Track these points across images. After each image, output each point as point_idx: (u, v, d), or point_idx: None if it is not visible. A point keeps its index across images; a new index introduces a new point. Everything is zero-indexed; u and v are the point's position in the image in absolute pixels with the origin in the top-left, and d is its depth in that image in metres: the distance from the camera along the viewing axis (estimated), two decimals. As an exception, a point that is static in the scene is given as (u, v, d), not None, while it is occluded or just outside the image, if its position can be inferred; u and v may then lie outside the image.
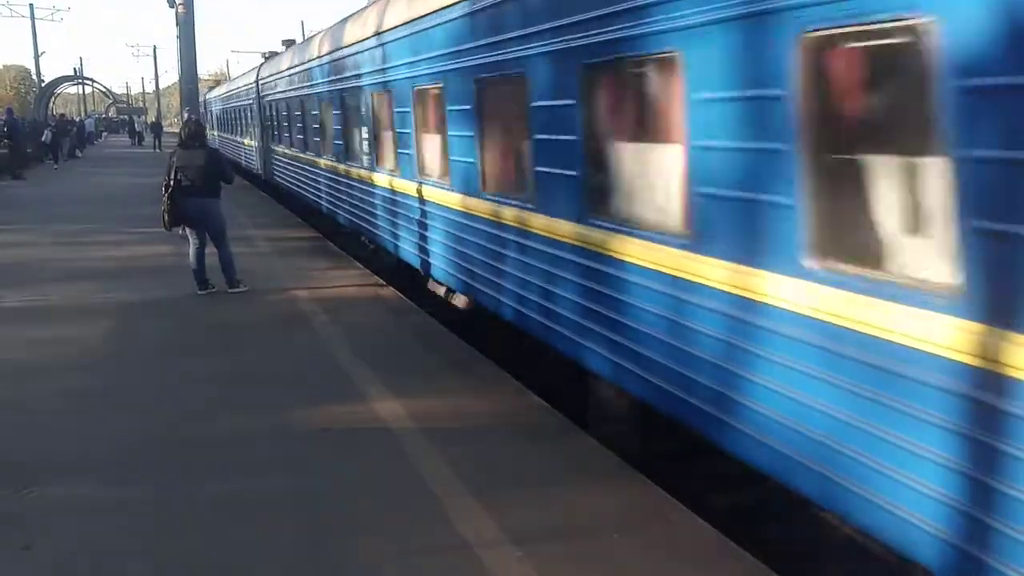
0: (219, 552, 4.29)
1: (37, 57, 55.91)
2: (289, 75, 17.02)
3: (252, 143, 25.55)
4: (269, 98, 20.40)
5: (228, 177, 10.40)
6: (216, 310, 9.56)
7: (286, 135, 18.41)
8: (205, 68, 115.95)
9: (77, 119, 59.20)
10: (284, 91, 17.87)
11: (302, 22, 76.64)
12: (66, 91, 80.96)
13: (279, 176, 20.49)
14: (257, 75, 22.66)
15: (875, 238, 3.48)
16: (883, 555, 3.78)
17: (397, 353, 7.73)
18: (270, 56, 24.74)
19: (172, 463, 5.39)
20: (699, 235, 4.34)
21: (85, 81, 69.43)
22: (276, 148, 20.33)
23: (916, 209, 3.33)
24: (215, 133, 37.84)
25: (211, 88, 44.80)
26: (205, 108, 40.28)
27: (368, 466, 5.26)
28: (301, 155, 16.59)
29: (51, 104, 57.79)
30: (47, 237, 15.25)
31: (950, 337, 3.03)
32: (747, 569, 3.99)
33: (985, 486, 2.97)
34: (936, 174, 3.09)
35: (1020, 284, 2.79)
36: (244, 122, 27.46)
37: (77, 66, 75.05)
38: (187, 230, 10.26)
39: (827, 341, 3.55)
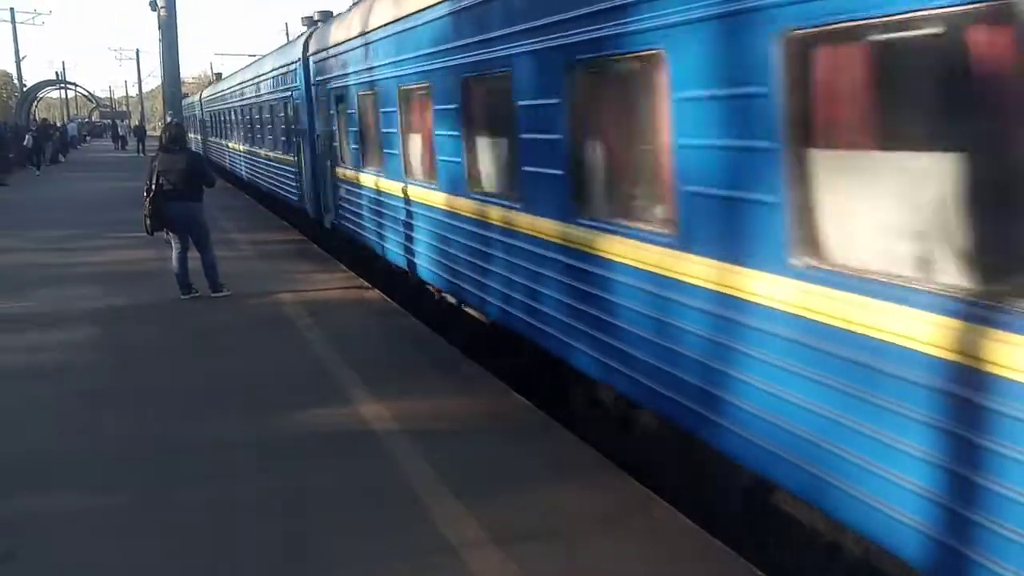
0: (203, 556, 4.29)
1: (18, 61, 55.55)
2: (403, 33, 8.52)
3: (288, 159, 16.22)
4: (339, 84, 11.55)
5: (210, 180, 10.38)
6: (199, 314, 9.53)
7: (392, 152, 9.36)
8: (189, 71, 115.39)
9: (59, 124, 58.82)
10: (383, 67, 9.27)
11: (286, 24, 76.44)
12: (48, 95, 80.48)
13: (361, 226, 11.26)
14: (305, 50, 13.84)
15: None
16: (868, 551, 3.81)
17: (381, 355, 7.73)
18: (324, 20, 14.56)
19: (156, 467, 5.38)
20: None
21: (67, 85, 69.03)
22: (356, 175, 11.18)
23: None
24: (211, 140, 32.09)
25: (209, 84, 38.92)
26: (200, 110, 34.85)
27: (352, 468, 5.26)
28: (469, 201, 7.38)
29: (33, 109, 57.39)
30: (29, 243, 15.16)
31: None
32: (728, 565, 4.01)
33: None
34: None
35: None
36: (265, 127, 18.80)
37: (59, 70, 74.59)
38: (170, 234, 10.22)
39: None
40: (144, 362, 7.75)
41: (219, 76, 42.24)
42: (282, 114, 16.32)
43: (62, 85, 68.34)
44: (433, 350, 7.79)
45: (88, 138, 73.96)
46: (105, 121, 77.83)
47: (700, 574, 3.97)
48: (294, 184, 15.99)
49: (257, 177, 21.28)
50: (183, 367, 7.57)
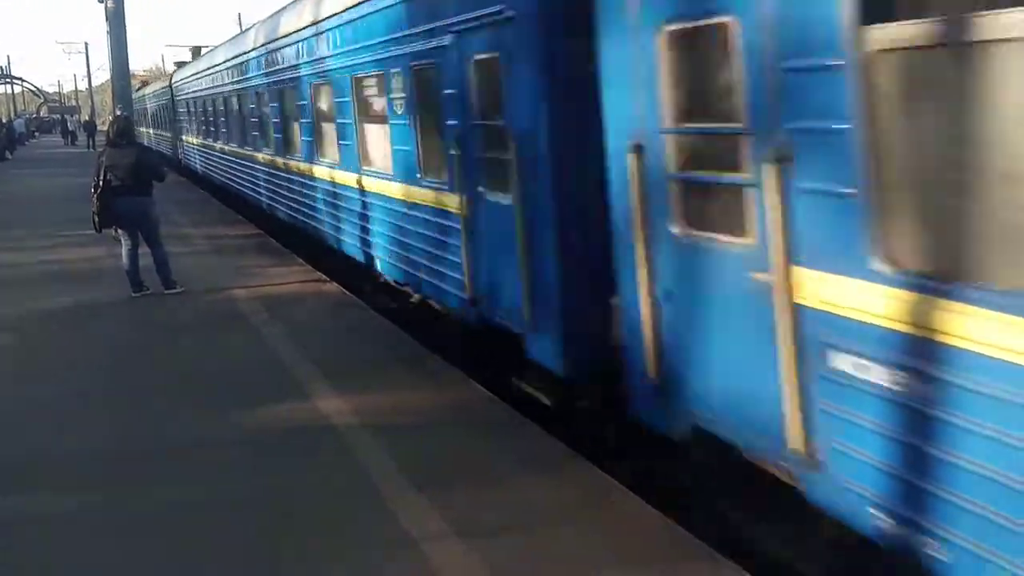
0: (165, 555, 4.18)
1: (-40, 56, 53.93)
2: None
3: (440, 199, 7.02)
4: None
5: (160, 175, 10.14)
6: (152, 312, 9.32)
7: None
8: (139, 64, 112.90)
9: (5, 120, 57.24)
10: None
11: (239, 15, 75.25)
12: (-7, 91, 78.32)
13: None
14: None
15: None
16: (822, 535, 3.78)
17: (341, 349, 7.60)
18: None
19: (115, 469, 5.25)
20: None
21: (13, 80, 67.25)
22: None
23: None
24: (190, 144, 23.87)
25: (190, 60, 29.62)
26: (171, 99, 27.07)
27: (313, 466, 5.16)
28: None
29: (-23, 105, 55.80)
30: (-26, 243, 14.72)
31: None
32: (691, 550, 3.98)
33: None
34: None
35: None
36: (341, 124, 9.65)
37: (4, 65, 72.57)
38: (119, 231, 9.97)
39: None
40: (96, 363, 7.56)
41: (197, 51, 31.22)
42: (404, 95, 7.70)
43: (8, 80, 66.54)
44: (395, 344, 7.68)
45: (36, 134, 72.17)
46: (54, 116, 75.98)
47: (663, 560, 3.94)
48: (450, 258, 6.98)
49: (327, 227, 10.89)
50: (136, 366, 7.39)
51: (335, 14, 9.32)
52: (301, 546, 4.21)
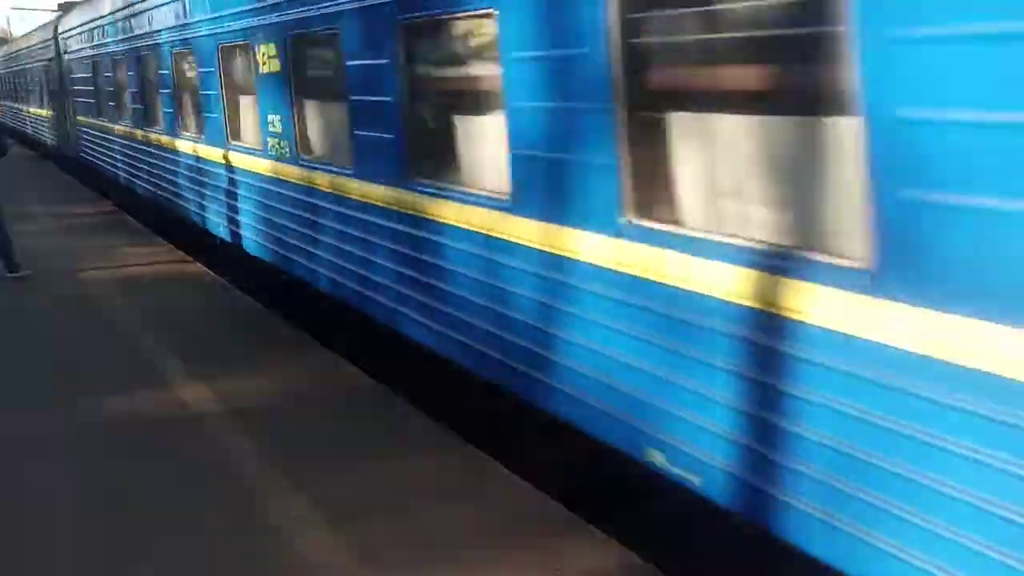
0: (10, 559, 3.91)
1: None
2: None
3: None
4: None
5: (2, 147, 9.41)
6: (-7, 297, 8.66)
7: None
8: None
9: None
10: None
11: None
12: None
13: None
14: None
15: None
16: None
17: (204, 333, 7.28)
18: None
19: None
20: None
21: None
22: None
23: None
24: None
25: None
26: (58, 52, 17.16)
27: (171, 456, 4.92)
28: None
29: None
30: None
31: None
32: (563, 522, 4.03)
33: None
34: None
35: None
36: None
37: None
38: (-45, 209, 9.22)
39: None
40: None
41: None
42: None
43: None
44: (262, 325, 7.41)
45: None
46: None
47: (539, 535, 3.96)
48: None
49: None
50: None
51: None
52: (158, 541, 4.01)
